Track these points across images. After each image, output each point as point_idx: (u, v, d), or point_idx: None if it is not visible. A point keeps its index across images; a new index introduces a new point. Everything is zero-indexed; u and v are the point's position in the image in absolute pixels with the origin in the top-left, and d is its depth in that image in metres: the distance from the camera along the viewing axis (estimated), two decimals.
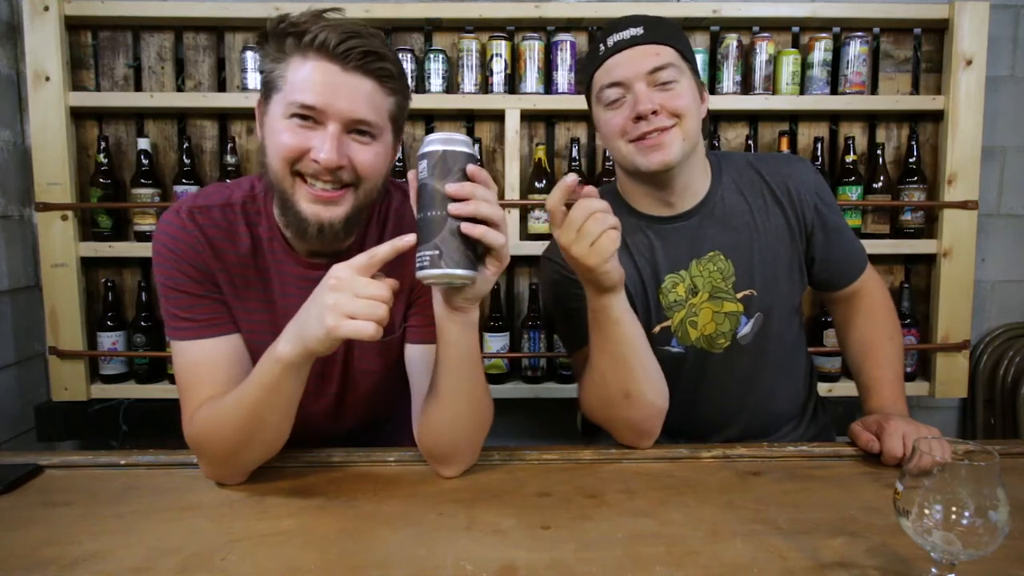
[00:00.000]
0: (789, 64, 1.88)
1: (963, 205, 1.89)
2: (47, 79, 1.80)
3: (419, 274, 0.81)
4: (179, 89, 1.94)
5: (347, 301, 0.78)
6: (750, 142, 1.97)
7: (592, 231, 0.90)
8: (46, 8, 1.78)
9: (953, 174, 1.90)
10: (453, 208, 0.79)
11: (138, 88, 1.94)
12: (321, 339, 0.80)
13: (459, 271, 0.80)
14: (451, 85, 1.92)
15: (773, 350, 1.19)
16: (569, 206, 0.92)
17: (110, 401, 1.94)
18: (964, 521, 0.63)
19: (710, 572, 0.73)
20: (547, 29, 1.95)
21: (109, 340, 1.90)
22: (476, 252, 0.82)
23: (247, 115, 1.96)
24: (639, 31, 1.08)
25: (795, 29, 1.98)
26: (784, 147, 1.92)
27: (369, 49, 0.87)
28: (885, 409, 1.13)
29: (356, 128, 0.90)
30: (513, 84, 1.92)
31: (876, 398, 1.17)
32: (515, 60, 1.91)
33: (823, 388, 1.90)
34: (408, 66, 1.85)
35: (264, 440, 0.91)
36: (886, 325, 1.24)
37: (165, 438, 1.90)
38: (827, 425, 1.33)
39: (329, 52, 0.86)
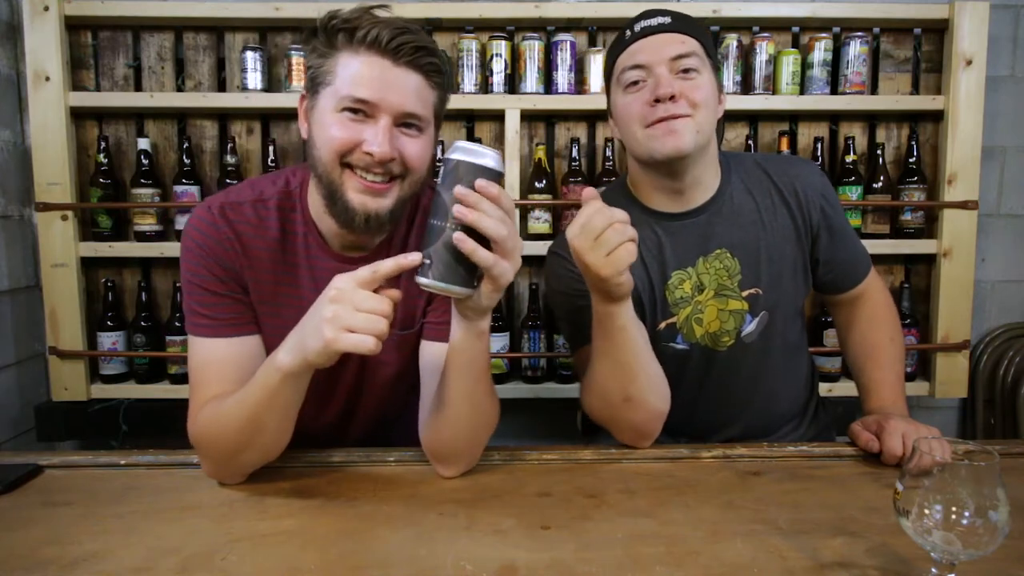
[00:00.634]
0: (789, 64, 1.88)
1: (963, 205, 1.89)
2: (47, 79, 1.80)
3: (415, 278, 0.81)
4: (179, 89, 1.94)
5: (347, 314, 0.78)
6: (750, 142, 1.97)
7: (611, 241, 0.88)
8: (46, 8, 1.78)
9: (953, 174, 1.90)
10: (454, 217, 0.78)
11: (138, 88, 1.94)
12: (319, 351, 0.80)
13: (443, 284, 0.79)
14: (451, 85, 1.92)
15: (776, 349, 1.20)
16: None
17: (110, 401, 1.94)
18: (964, 521, 0.63)
19: (710, 572, 0.73)
20: (547, 29, 1.95)
21: (109, 340, 1.90)
22: (468, 268, 0.80)
23: (247, 115, 1.96)
24: (667, 20, 1.10)
25: (795, 29, 1.98)
26: (784, 147, 1.92)
27: (419, 44, 0.89)
28: (885, 409, 1.13)
29: (405, 121, 0.92)
30: (513, 84, 1.92)
31: (876, 399, 1.18)
32: (515, 60, 1.91)
33: (823, 388, 1.90)
34: None
35: (262, 444, 0.92)
36: (887, 327, 1.24)
37: (165, 438, 1.90)
38: (827, 425, 1.33)
39: (381, 47, 0.88)
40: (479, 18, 1.88)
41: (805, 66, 1.92)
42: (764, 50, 1.89)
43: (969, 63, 1.86)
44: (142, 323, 1.92)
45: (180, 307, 1.90)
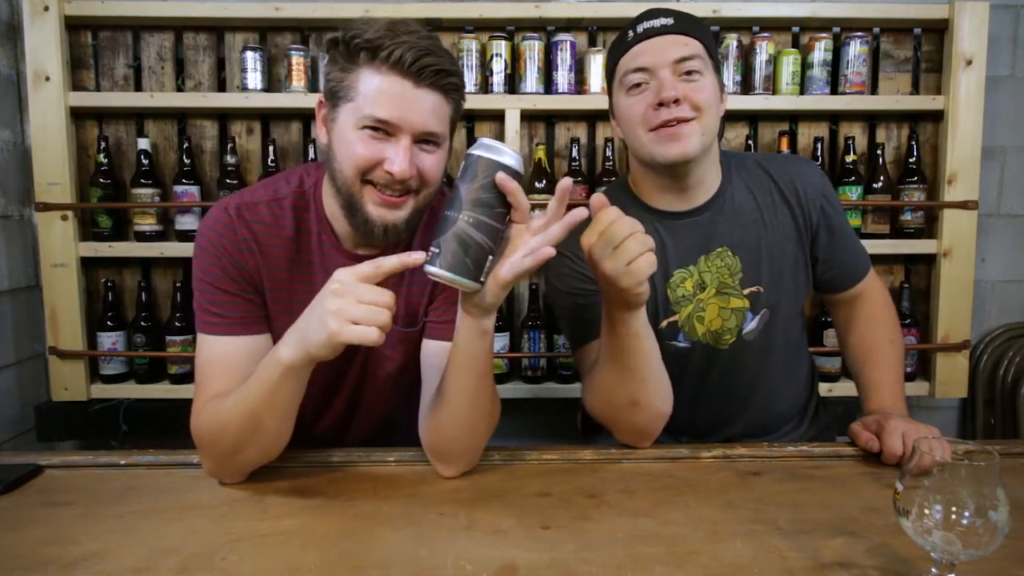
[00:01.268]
0: (789, 64, 1.88)
1: (963, 205, 1.89)
2: (47, 79, 1.80)
3: (424, 267, 0.82)
4: (179, 89, 1.94)
5: (350, 306, 0.79)
6: (750, 142, 1.97)
7: (631, 250, 0.86)
8: (46, 8, 1.78)
9: (953, 174, 1.90)
10: (465, 213, 0.80)
11: (138, 88, 1.94)
12: (322, 344, 0.80)
13: (450, 274, 0.80)
14: None
15: (777, 348, 1.20)
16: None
17: (110, 401, 1.94)
18: (964, 521, 0.63)
19: (710, 572, 0.73)
20: (547, 29, 1.95)
21: (109, 340, 1.90)
22: (475, 261, 0.81)
23: (247, 115, 1.96)
24: (669, 21, 1.09)
25: (795, 29, 1.98)
26: (784, 147, 1.92)
27: (440, 68, 0.91)
28: (885, 409, 1.13)
29: (424, 138, 0.93)
30: (513, 84, 1.92)
31: (876, 399, 1.18)
32: (515, 60, 1.91)
33: (823, 388, 1.90)
34: None
35: (262, 442, 0.92)
36: (887, 328, 1.25)
37: (165, 438, 1.90)
38: (827, 425, 1.33)
39: (404, 69, 0.89)
40: (479, 18, 1.88)
41: (805, 66, 1.92)
42: (764, 50, 1.89)
43: (969, 63, 1.86)
44: (142, 323, 1.92)
45: (180, 307, 1.90)
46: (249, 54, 1.85)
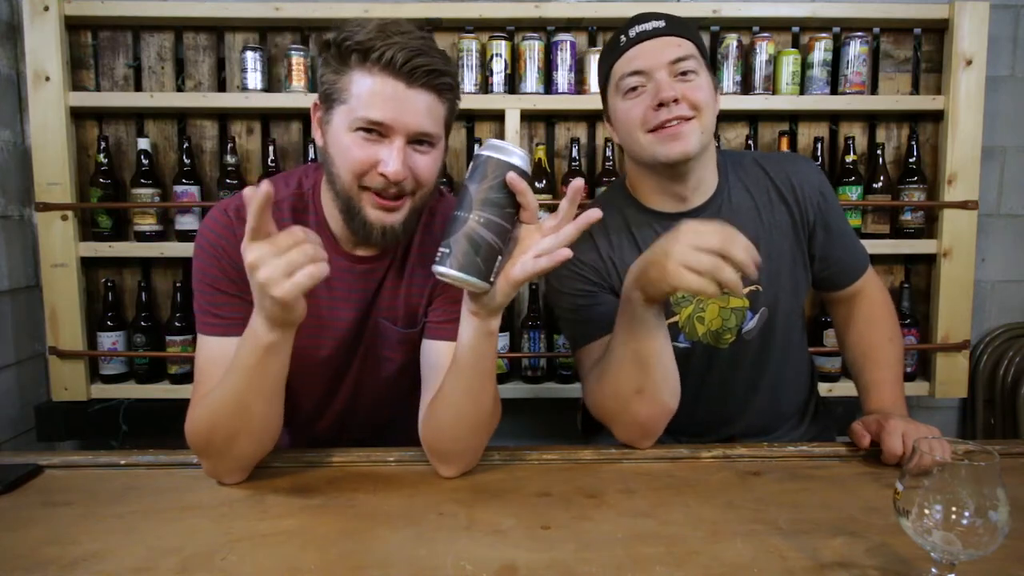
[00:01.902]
0: (789, 64, 1.88)
1: (963, 205, 1.89)
2: (47, 79, 1.80)
3: (433, 267, 0.82)
4: (179, 89, 1.94)
5: (275, 267, 0.77)
6: (750, 142, 1.97)
7: (704, 267, 0.86)
8: (46, 8, 1.78)
9: (953, 174, 1.90)
10: (476, 213, 0.80)
11: (138, 88, 1.94)
12: (277, 312, 0.81)
13: (460, 274, 0.80)
14: None
15: (777, 347, 1.20)
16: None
17: (110, 401, 1.94)
18: (964, 521, 0.63)
19: (710, 572, 0.73)
20: (547, 29, 1.95)
21: (109, 340, 1.90)
22: (486, 260, 0.81)
23: (247, 115, 1.96)
24: (661, 24, 1.10)
25: (795, 29, 1.98)
26: (784, 147, 1.92)
27: (432, 68, 0.90)
28: (885, 409, 1.13)
29: (418, 139, 0.93)
30: (513, 84, 1.92)
31: (876, 399, 1.18)
32: (515, 60, 1.91)
33: (823, 388, 1.90)
34: None
35: (252, 429, 0.91)
36: (886, 327, 1.24)
37: (165, 438, 1.90)
38: (827, 425, 1.34)
39: (395, 70, 0.89)
40: (479, 18, 1.88)
41: (805, 66, 1.92)
42: (764, 50, 1.89)
43: (969, 63, 1.86)
44: (142, 323, 1.92)
45: (180, 307, 1.90)
46: (249, 54, 1.85)
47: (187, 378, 1.90)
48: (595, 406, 1.11)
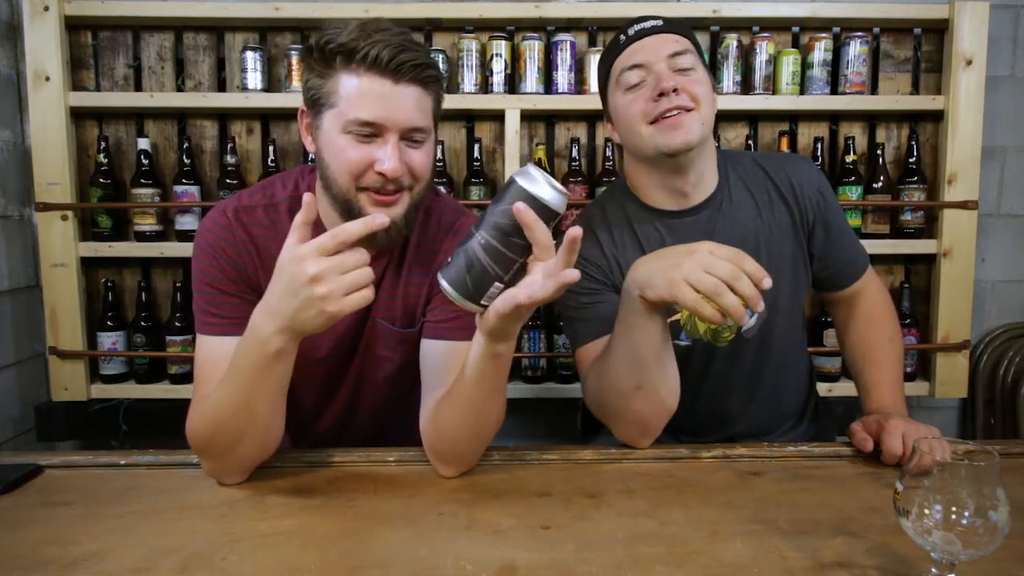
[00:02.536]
0: (789, 64, 1.88)
1: (963, 205, 1.89)
2: (47, 79, 1.80)
3: (438, 273, 0.82)
4: (179, 89, 1.94)
5: (336, 284, 0.79)
6: (750, 142, 1.97)
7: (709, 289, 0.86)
8: (46, 8, 1.78)
9: (953, 174, 1.90)
10: (480, 233, 0.77)
11: (138, 88, 1.94)
12: (323, 325, 0.82)
13: (448, 287, 0.79)
14: (451, 85, 1.92)
15: (776, 345, 1.20)
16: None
17: (110, 401, 1.94)
18: (964, 521, 0.63)
19: (710, 572, 0.73)
20: (547, 29, 1.95)
21: (109, 340, 1.90)
22: (475, 281, 0.78)
23: (247, 115, 1.96)
24: (659, 22, 1.13)
25: (795, 29, 1.98)
26: (784, 147, 1.92)
27: (418, 62, 0.90)
28: (885, 409, 1.13)
29: (410, 134, 0.93)
30: (513, 84, 1.92)
31: (876, 399, 1.18)
32: (515, 60, 1.91)
33: (823, 388, 1.90)
34: None
35: (256, 431, 0.91)
36: (886, 328, 1.25)
37: (165, 438, 1.90)
38: (827, 425, 1.34)
39: (381, 68, 0.89)
40: (479, 18, 1.88)
41: (805, 66, 1.92)
42: (764, 50, 1.89)
43: (969, 63, 1.86)
44: (142, 323, 1.92)
45: (180, 307, 1.90)
46: (249, 54, 1.85)
47: (187, 378, 1.90)
48: (595, 404, 1.11)
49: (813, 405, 1.33)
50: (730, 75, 1.90)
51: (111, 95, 1.88)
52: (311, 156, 1.02)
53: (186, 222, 1.90)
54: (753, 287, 0.85)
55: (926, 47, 1.96)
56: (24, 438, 1.97)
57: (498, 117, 1.92)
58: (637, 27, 1.13)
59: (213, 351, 0.98)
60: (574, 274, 0.74)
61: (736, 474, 1.00)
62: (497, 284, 0.79)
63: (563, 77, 1.88)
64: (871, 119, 2.01)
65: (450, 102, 1.85)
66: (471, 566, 0.74)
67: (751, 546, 0.78)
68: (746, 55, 1.92)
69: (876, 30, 1.95)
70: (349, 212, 0.95)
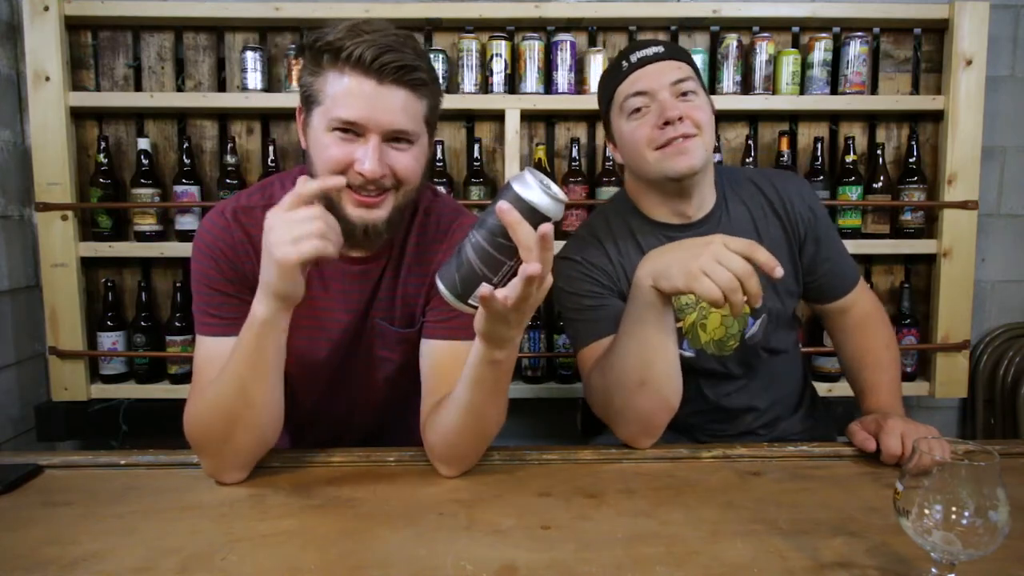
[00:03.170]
0: (789, 64, 1.88)
1: (963, 205, 1.89)
2: (47, 79, 1.80)
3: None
4: (179, 89, 1.94)
5: (284, 232, 0.82)
6: (750, 142, 1.96)
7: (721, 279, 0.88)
8: (46, 8, 1.78)
9: (953, 174, 1.90)
10: (472, 233, 0.78)
11: (138, 88, 1.94)
12: (277, 275, 0.84)
13: (439, 283, 0.80)
14: (451, 85, 1.92)
15: (777, 350, 1.22)
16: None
17: (110, 401, 1.94)
18: (964, 521, 0.63)
19: (710, 572, 0.73)
20: (547, 29, 1.95)
21: (109, 340, 1.90)
22: (463, 280, 0.78)
23: (247, 115, 1.96)
24: (660, 49, 1.15)
25: (795, 29, 1.98)
26: (784, 147, 1.92)
27: (402, 64, 0.90)
28: (883, 409, 1.13)
29: (394, 137, 0.93)
30: (513, 84, 1.92)
31: (874, 399, 1.20)
32: (515, 60, 1.91)
33: (823, 388, 1.91)
34: None
35: (251, 419, 0.91)
36: (882, 335, 1.27)
37: (165, 438, 1.90)
38: (827, 425, 1.35)
39: (365, 67, 0.89)
40: (479, 18, 1.88)
41: (805, 66, 1.92)
42: (764, 50, 1.89)
43: (969, 63, 1.86)
44: (142, 323, 1.92)
45: (180, 307, 1.90)
46: (249, 54, 1.85)
47: (187, 378, 1.90)
48: (597, 403, 1.11)
49: (810, 397, 1.36)
50: (730, 75, 1.90)
51: (111, 95, 1.88)
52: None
53: (186, 222, 1.90)
54: (759, 287, 0.88)
55: (926, 47, 1.96)
56: (24, 438, 1.97)
57: (498, 117, 1.92)
58: (640, 54, 1.15)
59: (211, 351, 0.98)
60: (534, 267, 0.73)
61: (736, 474, 1.00)
62: (486, 286, 0.78)
63: (563, 77, 1.88)
64: (871, 119, 2.01)
65: (450, 102, 1.86)
66: (471, 566, 0.74)
67: (751, 546, 0.78)
68: (746, 55, 1.92)
69: (876, 30, 1.95)
70: (332, 209, 0.94)
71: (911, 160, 1.93)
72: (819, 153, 1.93)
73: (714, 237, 0.92)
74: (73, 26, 1.87)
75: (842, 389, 1.94)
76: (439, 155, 1.91)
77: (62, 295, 1.86)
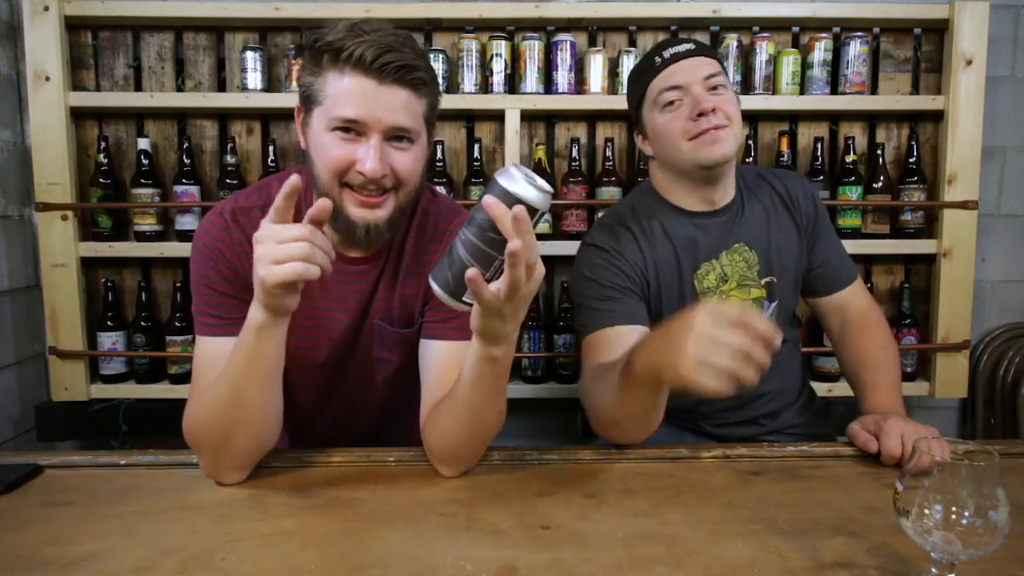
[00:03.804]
0: (789, 64, 1.88)
1: (963, 205, 1.89)
2: (47, 79, 1.80)
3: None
4: (179, 89, 1.94)
5: (269, 250, 0.80)
6: (750, 142, 1.96)
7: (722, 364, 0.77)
8: (46, 8, 1.78)
9: (953, 174, 1.90)
10: (463, 230, 0.78)
11: (138, 88, 1.94)
12: (262, 293, 0.83)
13: (431, 281, 0.80)
14: (451, 85, 1.92)
15: (784, 338, 1.22)
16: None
17: (110, 401, 1.94)
18: (964, 521, 0.63)
19: (710, 572, 0.73)
20: (547, 29, 1.95)
21: (109, 340, 1.90)
22: (455, 277, 0.78)
23: (247, 115, 1.96)
24: (692, 46, 1.22)
25: (795, 29, 1.98)
26: (784, 147, 1.92)
27: (403, 64, 0.90)
28: (883, 409, 1.14)
29: (395, 136, 0.93)
30: (513, 84, 1.92)
31: (873, 399, 1.20)
32: (515, 60, 1.91)
33: (823, 388, 1.91)
34: None
35: (249, 421, 0.91)
36: (879, 337, 1.29)
37: (165, 438, 1.89)
38: (827, 425, 1.36)
39: (365, 67, 0.89)
40: (479, 18, 1.88)
41: (805, 66, 1.92)
42: (764, 50, 1.89)
43: (969, 63, 1.86)
44: (142, 323, 1.92)
45: (180, 307, 1.90)
46: (249, 54, 1.85)
47: (187, 378, 1.90)
48: (587, 405, 1.12)
49: (808, 390, 1.38)
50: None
51: (111, 95, 1.88)
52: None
53: (186, 222, 1.90)
54: (766, 355, 0.76)
55: (926, 47, 1.96)
56: (24, 438, 1.97)
57: (498, 117, 1.92)
58: (672, 50, 1.21)
59: (211, 351, 0.98)
60: (515, 243, 0.72)
61: (736, 474, 1.00)
62: (472, 268, 0.77)
63: (563, 77, 1.88)
64: (871, 119, 2.01)
65: (450, 102, 1.86)
66: (471, 566, 0.74)
67: (751, 546, 0.78)
68: (746, 55, 1.92)
69: (876, 30, 1.95)
70: (334, 213, 0.94)
71: (911, 160, 1.93)
72: (819, 153, 1.93)
73: (696, 317, 0.79)
74: (73, 26, 1.87)
75: (842, 389, 1.94)
76: (439, 155, 1.91)
77: (62, 295, 1.86)
